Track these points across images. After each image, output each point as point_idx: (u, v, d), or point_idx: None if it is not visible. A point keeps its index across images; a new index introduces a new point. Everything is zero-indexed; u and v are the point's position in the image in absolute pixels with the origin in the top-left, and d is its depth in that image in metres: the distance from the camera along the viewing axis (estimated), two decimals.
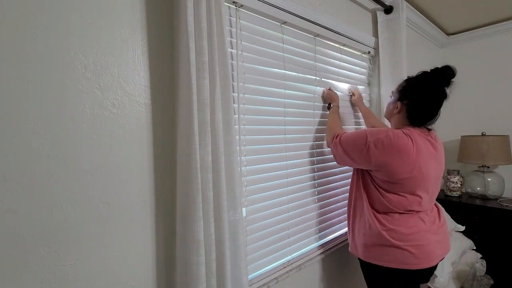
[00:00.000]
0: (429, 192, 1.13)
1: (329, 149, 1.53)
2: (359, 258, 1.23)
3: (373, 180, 1.16)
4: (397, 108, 1.18)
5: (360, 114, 1.72)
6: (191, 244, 0.80)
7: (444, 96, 1.11)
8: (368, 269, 1.20)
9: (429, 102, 1.11)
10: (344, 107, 1.63)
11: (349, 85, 1.68)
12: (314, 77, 1.43)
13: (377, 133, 1.10)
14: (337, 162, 1.27)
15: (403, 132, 1.08)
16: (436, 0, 2.03)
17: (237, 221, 0.91)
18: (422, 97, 1.11)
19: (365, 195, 1.19)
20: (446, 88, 1.10)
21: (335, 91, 1.50)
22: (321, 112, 1.48)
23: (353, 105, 1.71)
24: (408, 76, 1.21)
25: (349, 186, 1.34)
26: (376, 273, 1.17)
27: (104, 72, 0.76)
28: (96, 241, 0.75)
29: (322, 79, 1.49)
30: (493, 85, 2.53)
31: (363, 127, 1.77)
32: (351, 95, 1.68)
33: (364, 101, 1.76)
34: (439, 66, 1.11)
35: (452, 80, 1.10)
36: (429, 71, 1.13)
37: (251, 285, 1.12)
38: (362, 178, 1.22)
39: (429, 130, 1.18)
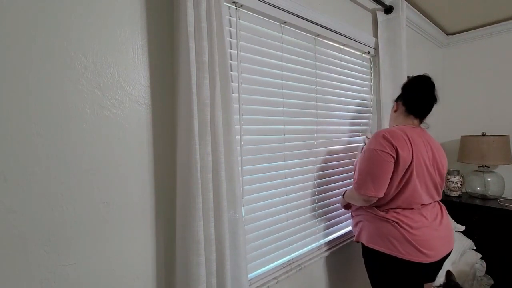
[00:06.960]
0: (427, 183, 1.17)
1: (330, 150, 1.56)
2: (362, 246, 1.26)
3: None
4: (394, 107, 1.33)
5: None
6: (191, 244, 0.80)
7: (431, 89, 1.22)
8: (370, 256, 1.22)
9: (420, 92, 1.24)
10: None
11: (364, 137, 1.74)
12: (314, 78, 1.43)
13: (375, 137, 1.15)
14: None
15: (396, 127, 1.19)
16: (436, 0, 2.03)
17: (237, 220, 0.91)
18: (414, 88, 1.26)
19: None
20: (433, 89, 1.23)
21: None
22: (322, 112, 1.48)
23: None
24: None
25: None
26: (378, 260, 1.18)
27: (104, 72, 0.76)
28: (96, 241, 0.75)
29: (322, 80, 1.49)
30: (493, 85, 2.53)
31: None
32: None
33: (364, 101, 1.77)
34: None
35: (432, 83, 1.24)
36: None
37: (251, 285, 1.12)
38: None
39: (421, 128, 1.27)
